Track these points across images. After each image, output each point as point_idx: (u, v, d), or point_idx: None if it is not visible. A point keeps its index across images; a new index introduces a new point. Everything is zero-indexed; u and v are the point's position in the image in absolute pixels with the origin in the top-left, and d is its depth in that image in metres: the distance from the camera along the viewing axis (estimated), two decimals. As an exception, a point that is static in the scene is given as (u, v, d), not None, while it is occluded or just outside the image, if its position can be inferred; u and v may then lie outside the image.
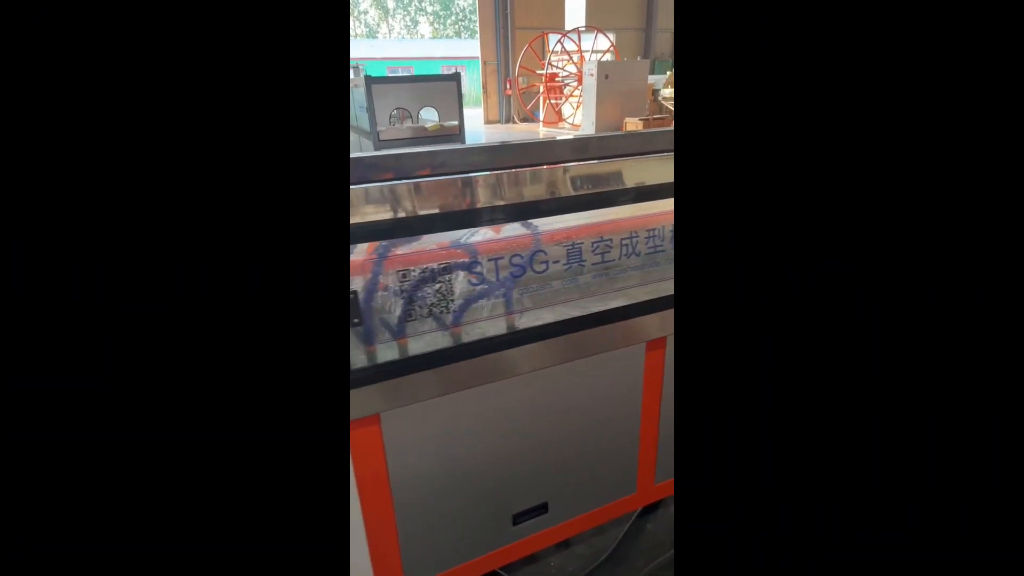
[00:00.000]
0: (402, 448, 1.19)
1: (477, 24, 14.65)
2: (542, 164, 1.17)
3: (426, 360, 1.13)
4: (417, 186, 1.04)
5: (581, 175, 1.19)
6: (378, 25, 31.33)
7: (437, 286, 1.09)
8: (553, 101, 12.30)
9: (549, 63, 12.34)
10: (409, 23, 32.28)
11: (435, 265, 1.08)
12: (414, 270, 1.06)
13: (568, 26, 13.55)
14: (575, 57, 12.30)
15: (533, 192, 1.15)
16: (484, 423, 1.28)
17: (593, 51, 12.70)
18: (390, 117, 4.63)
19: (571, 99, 11.86)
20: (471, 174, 1.09)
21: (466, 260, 1.10)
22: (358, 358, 1.07)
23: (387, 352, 1.09)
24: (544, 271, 1.19)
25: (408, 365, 1.11)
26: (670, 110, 9.65)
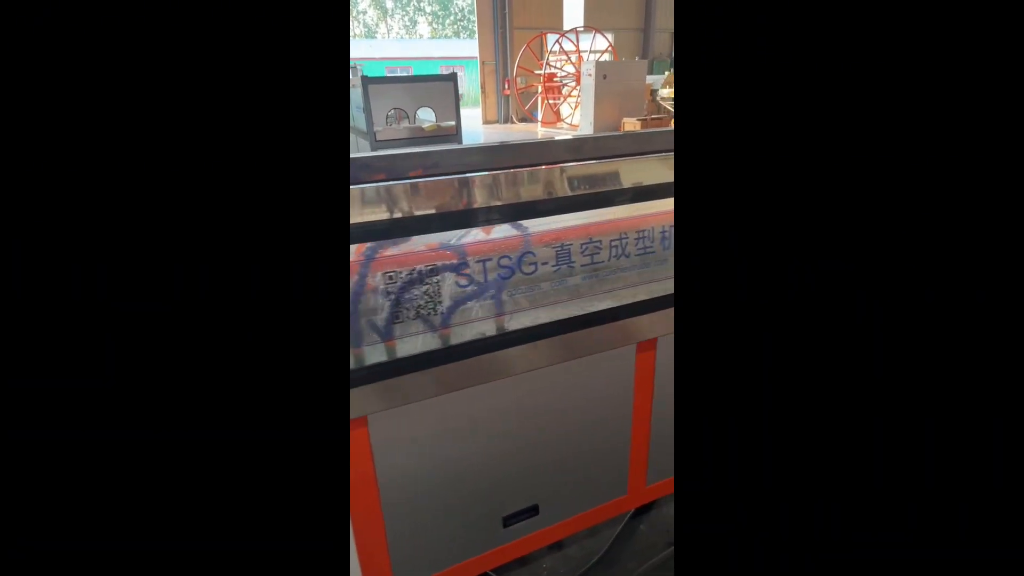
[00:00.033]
0: (390, 450, 1.18)
1: (475, 24, 14.66)
2: (539, 164, 1.16)
3: (414, 362, 1.12)
4: (413, 186, 1.03)
5: (579, 175, 1.19)
6: (376, 25, 31.31)
7: (425, 288, 1.08)
8: (551, 101, 12.29)
9: (547, 63, 12.32)
10: (408, 23, 32.26)
11: (423, 267, 1.07)
12: (401, 272, 1.05)
13: (566, 26, 13.55)
14: (573, 57, 12.30)
15: (530, 192, 1.14)
16: (474, 424, 1.27)
17: (591, 51, 12.71)
18: (387, 117, 4.62)
19: (569, 99, 11.86)
20: (467, 174, 1.09)
21: (454, 262, 1.10)
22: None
23: (375, 354, 1.08)
24: (533, 272, 1.19)
25: (396, 367, 1.11)
26: (668, 110, 9.66)
